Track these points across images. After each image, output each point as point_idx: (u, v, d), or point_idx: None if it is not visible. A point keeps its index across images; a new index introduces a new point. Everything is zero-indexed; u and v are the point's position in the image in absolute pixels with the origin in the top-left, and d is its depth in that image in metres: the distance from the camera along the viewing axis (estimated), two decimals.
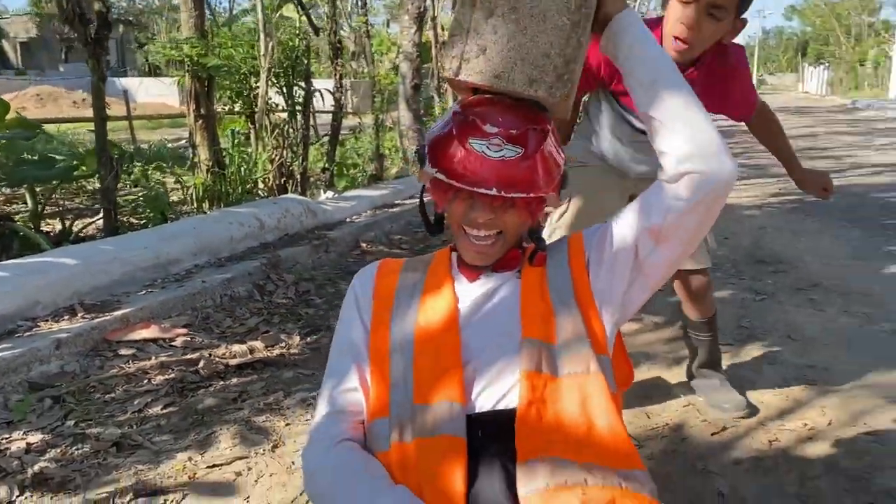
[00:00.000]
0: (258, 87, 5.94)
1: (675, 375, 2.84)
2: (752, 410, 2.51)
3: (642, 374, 2.88)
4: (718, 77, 2.09)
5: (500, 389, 1.23)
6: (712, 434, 2.38)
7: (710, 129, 1.21)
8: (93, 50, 4.19)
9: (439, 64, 10.42)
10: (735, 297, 3.80)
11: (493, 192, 1.20)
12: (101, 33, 4.24)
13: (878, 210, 6.17)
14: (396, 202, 6.44)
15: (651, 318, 3.52)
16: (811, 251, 4.80)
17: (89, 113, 5.17)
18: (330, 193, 6.27)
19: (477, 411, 1.22)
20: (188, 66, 5.13)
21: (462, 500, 1.11)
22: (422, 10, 7.97)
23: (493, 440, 1.17)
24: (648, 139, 1.69)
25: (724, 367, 2.67)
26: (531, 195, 1.23)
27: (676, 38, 1.92)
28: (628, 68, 1.26)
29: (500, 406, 1.22)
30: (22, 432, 2.39)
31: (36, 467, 2.16)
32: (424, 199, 1.43)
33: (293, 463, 2.22)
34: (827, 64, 43.37)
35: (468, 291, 1.33)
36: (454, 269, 1.37)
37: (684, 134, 1.20)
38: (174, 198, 5.93)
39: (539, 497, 1.10)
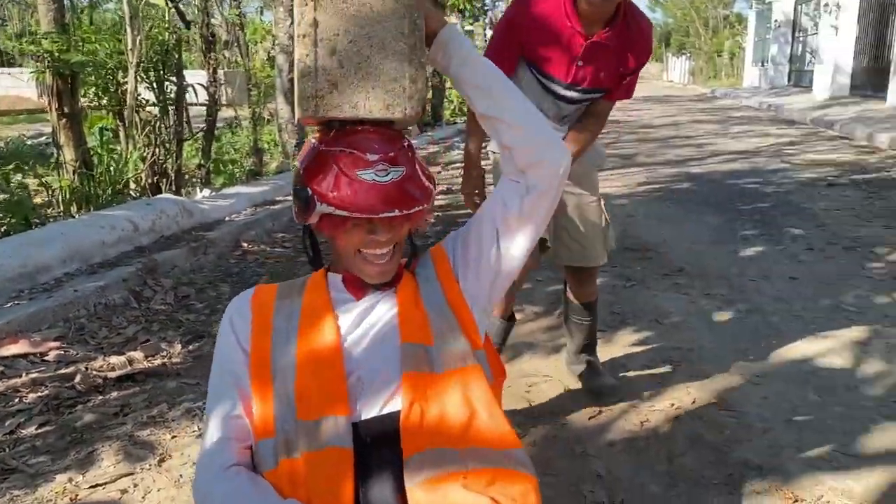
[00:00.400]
0: (126, 82, 5.68)
1: (555, 363, 2.99)
2: (625, 394, 2.68)
3: (524, 362, 3.01)
4: (627, 41, 2.17)
5: (384, 394, 1.29)
6: (589, 418, 2.53)
7: (544, 121, 1.41)
8: None
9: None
10: (607, 284, 4.01)
11: (397, 212, 1.27)
12: None
13: (734, 196, 6.64)
14: (277, 199, 6.34)
15: (531, 308, 3.67)
16: (675, 237, 5.12)
17: None
18: (207, 192, 6.10)
19: (364, 419, 1.27)
20: (48, 62, 4.83)
21: None
22: None
23: (382, 444, 1.23)
24: (571, 109, 2.29)
25: (598, 352, 2.83)
26: (425, 204, 1.33)
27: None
28: (462, 75, 1.40)
29: (386, 410, 1.28)
30: None
31: None
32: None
33: (181, 476, 2.19)
34: (688, 54, 45.85)
35: (349, 309, 1.39)
36: (334, 289, 1.42)
37: (527, 129, 1.38)
38: (37, 200, 5.59)
39: (423, 488, 1.17)
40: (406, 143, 1.36)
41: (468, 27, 17.11)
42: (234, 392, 1.31)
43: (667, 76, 51.19)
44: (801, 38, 23.69)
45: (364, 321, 1.37)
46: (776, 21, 24.97)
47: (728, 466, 2.21)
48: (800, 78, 23.19)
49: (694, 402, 2.64)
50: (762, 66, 27.71)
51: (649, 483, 2.15)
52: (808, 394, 2.69)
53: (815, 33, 20.34)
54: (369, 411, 1.28)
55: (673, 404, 2.62)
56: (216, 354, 1.38)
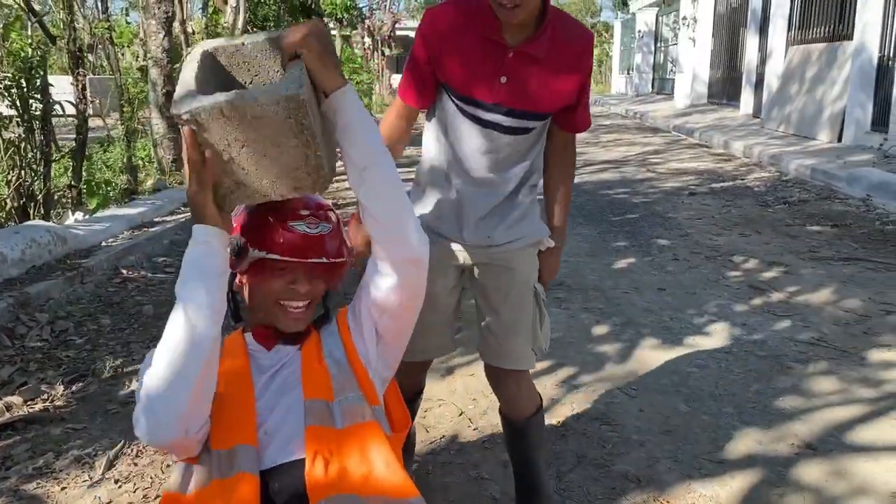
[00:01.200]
0: None
1: (448, 385, 3.10)
2: None
3: None
4: (559, 53, 1.80)
5: (289, 445, 1.39)
6: (483, 442, 2.66)
7: (407, 214, 1.45)
8: None
9: None
10: None
11: (325, 260, 1.42)
12: None
13: (606, 207, 7.02)
14: (156, 219, 6.15)
15: None
16: None
17: None
18: (80, 215, 5.83)
19: (271, 466, 1.37)
20: None
21: None
22: (170, 14, 7.62)
23: (287, 490, 1.34)
24: (503, 141, 1.87)
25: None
26: (346, 258, 1.48)
27: (501, 2, 1.66)
28: (344, 146, 1.42)
29: (292, 459, 1.37)
30: None
31: None
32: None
33: None
34: None
35: (261, 367, 1.49)
36: (250, 346, 1.52)
37: (385, 220, 1.43)
38: None
39: None
40: (332, 207, 1.51)
41: (345, 33, 17.09)
42: None
43: None
44: (662, 48, 25.11)
45: (274, 378, 1.48)
46: (640, 31, 26.37)
47: (611, 480, 2.39)
48: (662, 86, 24.58)
49: (578, 418, 2.82)
50: (628, 73, 29.17)
51: None
52: (679, 404, 2.93)
53: (676, 44, 21.63)
54: (275, 460, 1.37)
55: (560, 422, 2.79)
56: None
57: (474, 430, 2.74)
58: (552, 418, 2.81)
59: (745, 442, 2.63)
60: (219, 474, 1.32)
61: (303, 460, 1.34)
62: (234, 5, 9.70)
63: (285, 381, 1.47)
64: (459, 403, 2.95)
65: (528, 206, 1.97)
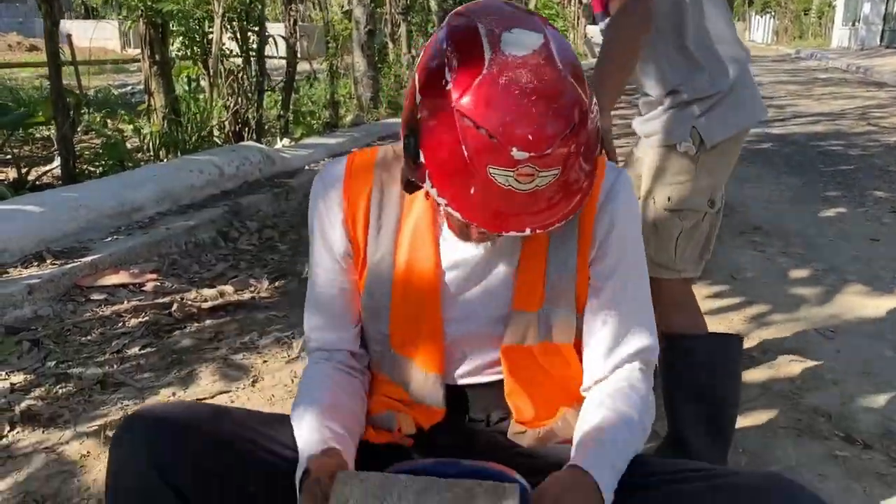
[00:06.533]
0: (212, 32, 5.87)
1: None
2: None
3: None
4: None
5: (481, 362, 1.17)
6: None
7: None
8: None
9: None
10: None
11: (528, 232, 0.95)
12: None
13: (815, 158, 6.47)
14: (354, 150, 6.49)
15: None
16: (754, 196, 5.04)
17: (26, 56, 4.96)
18: (286, 141, 6.28)
19: (458, 383, 1.18)
20: (141, 10, 5.04)
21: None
22: None
23: (475, 406, 1.20)
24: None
25: None
26: (570, 217, 0.98)
27: None
28: None
29: (484, 379, 1.18)
30: (4, 373, 2.46)
31: (23, 405, 2.25)
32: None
33: (273, 395, 2.36)
34: (773, 13, 43.92)
35: (455, 246, 1.11)
36: (441, 215, 1.11)
37: None
38: (128, 145, 5.87)
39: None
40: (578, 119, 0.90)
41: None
42: (336, 268, 1.18)
43: (749, 35, 49.24)
44: None
45: (473, 267, 1.12)
46: None
47: (798, 413, 2.25)
48: (893, 39, 22.05)
49: (765, 351, 2.66)
50: (853, 25, 26.40)
51: None
52: (884, 350, 2.68)
53: None
54: (462, 376, 1.18)
55: (751, 354, 2.65)
56: (313, 231, 1.19)
57: None
58: None
59: None
60: (399, 380, 1.18)
61: (496, 381, 1.16)
62: None
63: (491, 276, 1.12)
64: None
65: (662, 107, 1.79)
